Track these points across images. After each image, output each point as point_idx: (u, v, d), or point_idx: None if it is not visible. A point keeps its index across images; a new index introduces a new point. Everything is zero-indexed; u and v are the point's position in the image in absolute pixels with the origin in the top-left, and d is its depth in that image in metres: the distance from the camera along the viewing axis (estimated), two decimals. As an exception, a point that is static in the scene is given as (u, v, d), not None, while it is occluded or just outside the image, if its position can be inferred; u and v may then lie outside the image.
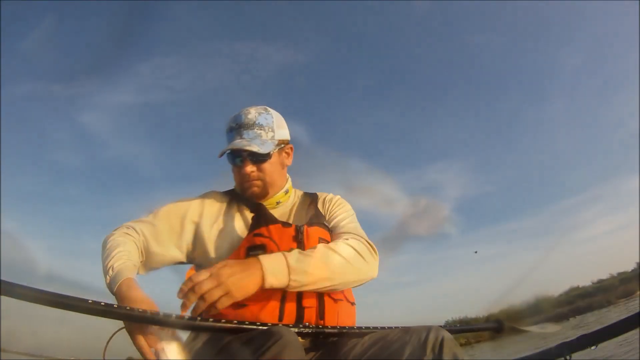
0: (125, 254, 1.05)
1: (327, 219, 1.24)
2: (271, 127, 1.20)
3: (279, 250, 1.03)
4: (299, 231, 1.10)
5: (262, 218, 1.15)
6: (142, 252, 1.14)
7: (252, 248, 1.05)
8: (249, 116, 1.18)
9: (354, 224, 1.22)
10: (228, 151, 1.18)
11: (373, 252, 1.11)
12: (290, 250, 1.01)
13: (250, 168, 1.17)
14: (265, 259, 0.95)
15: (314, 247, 1.03)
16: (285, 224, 1.12)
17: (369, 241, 1.13)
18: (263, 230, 1.09)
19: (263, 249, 1.04)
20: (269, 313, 0.98)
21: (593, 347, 1.24)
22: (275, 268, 0.94)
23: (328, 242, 1.11)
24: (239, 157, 1.17)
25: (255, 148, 1.13)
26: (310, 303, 1.02)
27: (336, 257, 1.02)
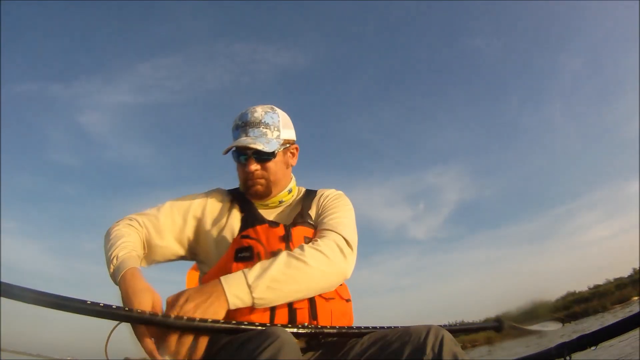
0: (129, 245, 1.05)
1: (318, 214, 1.21)
2: (277, 127, 1.20)
3: (265, 251, 1.03)
4: (287, 231, 1.09)
5: (250, 219, 1.15)
6: (144, 244, 1.14)
7: (240, 250, 1.05)
8: (255, 114, 1.18)
9: (339, 219, 1.15)
10: (233, 148, 1.18)
11: (348, 250, 1.06)
12: (250, 268, 0.95)
13: (254, 166, 1.17)
14: (227, 281, 0.92)
15: (277, 257, 0.98)
16: (273, 224, 1.11)
17: (346, 237, 1.08)
18: (250, 231, 1.09)
19: (250, 251, 1.04)
20: (259, 316, 0.97)
21: (593, 348, 1.24)
22: (237, 289, 0.91)
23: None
24: (243, 155, 1.17)
25: (260, 146, 1.14)
26: (301, 304, 1.01)
27: (300, 266, 0.97)
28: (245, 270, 0.95)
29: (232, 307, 0.90)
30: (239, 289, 0.91)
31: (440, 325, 0.93)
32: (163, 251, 1.17)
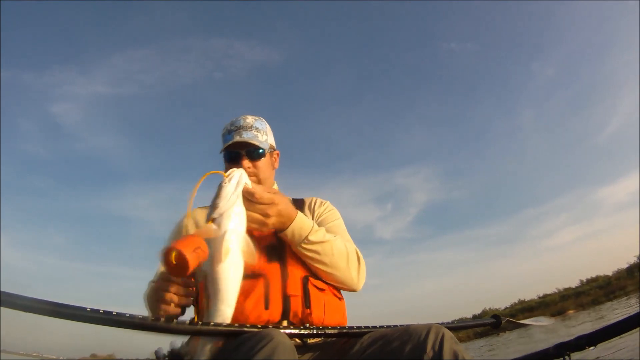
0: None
1: (315, 219, 1.31)
2: (265, 132, 1.37)
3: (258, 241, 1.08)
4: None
5: None
6: None
7: None
8: (247, 120, 1.34)
9: (348, 236, 1.29)
10: (226, 148, 1.29)
11: (363, 268, 1.20)
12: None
13: (247, 163, 1.28)
14: (298, 222, 1.11)
15: (337, 238, 1.17)
16: None
17: (362, 259, 1.22)
18: None
19: None
20: (254, 301, 1.02)
21: (591, 348, 1.24)
22: (299, 233, 1.11)
23: None
24: (236, 154, 1.29)
25: (256, 142, 1.29)
26: (295, 291, 1.07)
27: (341, 259, 1.13)
28: (315, 227, 1.14)
29: (284, 234, 1.11)
30: (298, 235, 1.11)
31: (440, 323, 0.94)
32: None
